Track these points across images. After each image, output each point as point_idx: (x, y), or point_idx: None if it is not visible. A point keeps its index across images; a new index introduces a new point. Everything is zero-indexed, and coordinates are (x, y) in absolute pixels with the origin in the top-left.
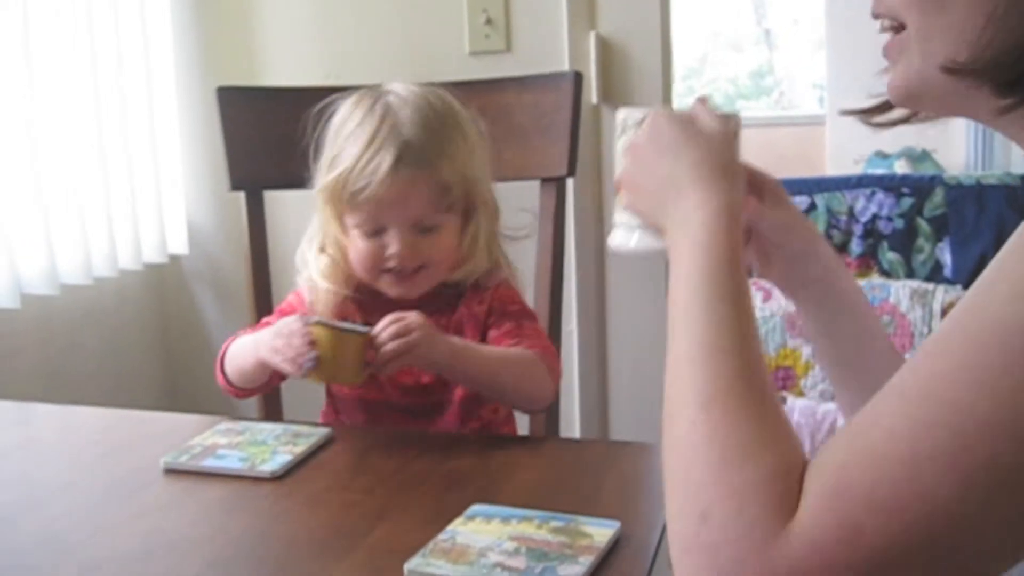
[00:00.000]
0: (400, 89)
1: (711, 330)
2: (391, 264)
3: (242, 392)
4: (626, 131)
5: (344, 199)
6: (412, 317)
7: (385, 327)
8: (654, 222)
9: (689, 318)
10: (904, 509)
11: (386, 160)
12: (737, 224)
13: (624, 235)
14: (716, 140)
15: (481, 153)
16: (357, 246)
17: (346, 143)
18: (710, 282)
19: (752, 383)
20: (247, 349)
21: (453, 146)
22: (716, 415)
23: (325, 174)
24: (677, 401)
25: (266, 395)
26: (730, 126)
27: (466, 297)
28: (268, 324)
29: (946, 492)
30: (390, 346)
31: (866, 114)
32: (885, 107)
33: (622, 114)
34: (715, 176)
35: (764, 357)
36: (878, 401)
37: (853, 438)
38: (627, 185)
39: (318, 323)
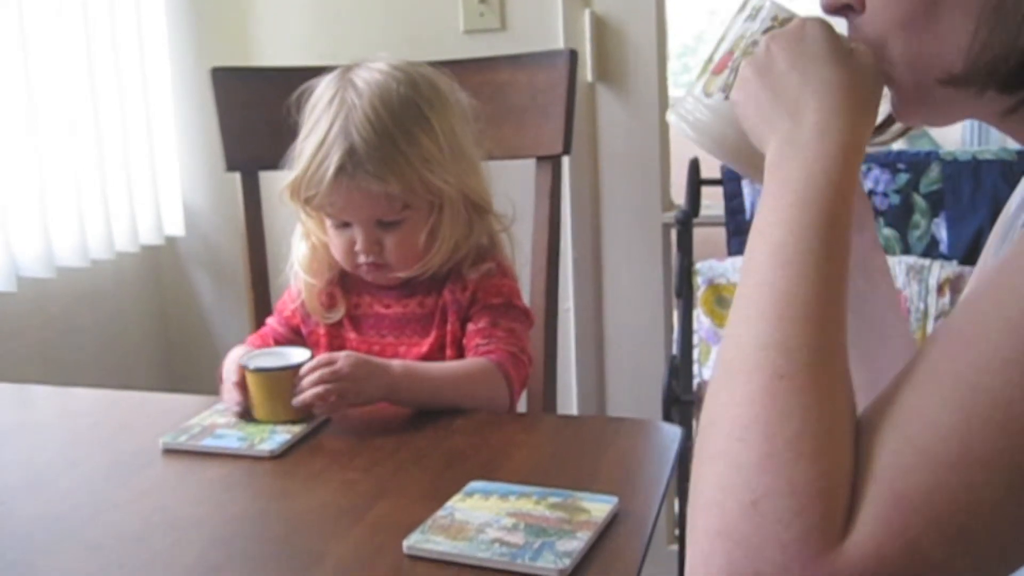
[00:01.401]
0: (367, 77)
1: (807, 289)
2: (360, 258)
3: None
4: (756, 18)
5: (301, 202)
6: (341, 362)
7: (311, 369)
8: (755, 130)
9: (783, 267)
10: (960, 519)
11: (329, 171)
12: (857, 169)
13: (690, 109)
14: (866, 71)
15: (452, 140)
16: (332, 238)
17: (304, 143)
18: (817, 232)
19: (835, 363)
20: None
21: (404, 151)
22: (789, 392)
23: (288, 172)
24: (743, 358)
25: None
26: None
27: (450, 283)
28: (269, 326)
29: (997, 498)
30: (307, 394)
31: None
32: (883, 125)
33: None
34: (851, 107)
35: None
36: (913, 386)
37: (898, 432)
38: (744, 81)
39: (253, 369)
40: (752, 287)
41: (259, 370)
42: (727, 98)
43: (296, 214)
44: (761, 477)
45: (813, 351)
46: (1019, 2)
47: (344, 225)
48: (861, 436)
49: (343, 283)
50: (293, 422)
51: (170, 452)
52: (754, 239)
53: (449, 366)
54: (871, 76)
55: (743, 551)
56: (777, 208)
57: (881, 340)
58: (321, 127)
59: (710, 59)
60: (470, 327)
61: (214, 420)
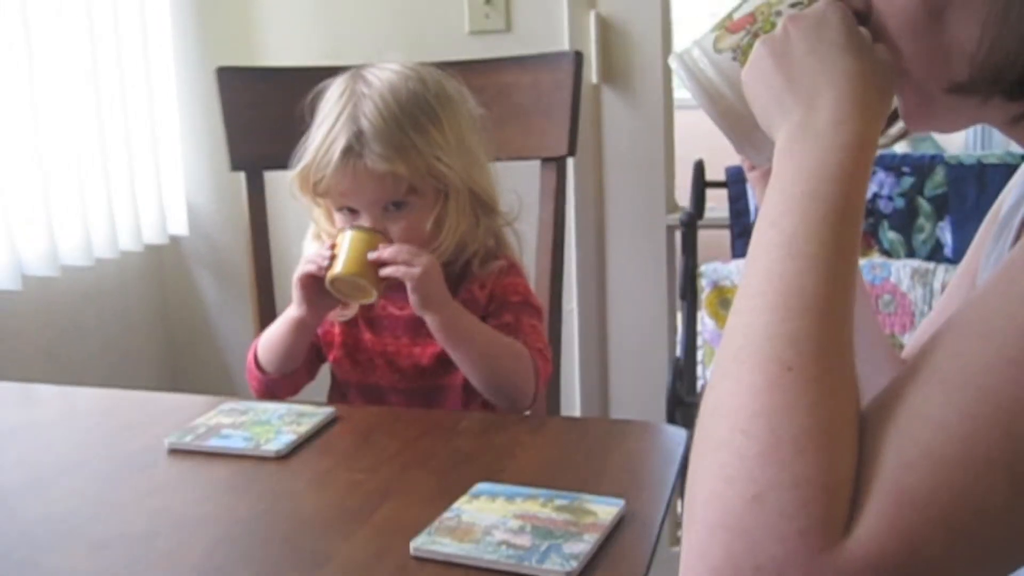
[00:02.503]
0: (375, 74)
1: (817, 282)
2: None
3: (278, 379)
4: None
5: (310, 189)
6: (426, 255)
7: (399, 245)
8: (765, 112)
9: (793, 258)
10: (962, 519)
11: (336, 152)
12: (871, 162)
13: (696, 59)
14: (883, 65)
15: (459, 136)
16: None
17: (315, 133)
18: (829, 224)
19: (842, 357)
20: (277, 323)
21: (411, 136)
22: (796, 385)
23: (297, 164)
24: (749, 348)
25: None
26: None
27: (467, 280)
28: None
29: (1000, 499)
30: (387, 252)
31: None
32: (883, 128)
33: None
34: (867, 100)
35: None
36: (917, 385)
37: (902, 431)
38: (758, 61)
39: (353, 226)
40: (760, 277)
41: (356, 227)
42: (735, 59)
43: (308, 211)
44: (765, 470)
45: (821, 344)
46: None
47: (352, 213)
48: (864, 434)
49: None
50: (356, 287)
51: (175, 452)
52: (762, 227)
53: (493, 330)
54: (888, 71)
55: (743, 544)
56: (788, 197)
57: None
58: (330, 117)
59: (729, 16)
60: (491, 323)
61: (219, 420)
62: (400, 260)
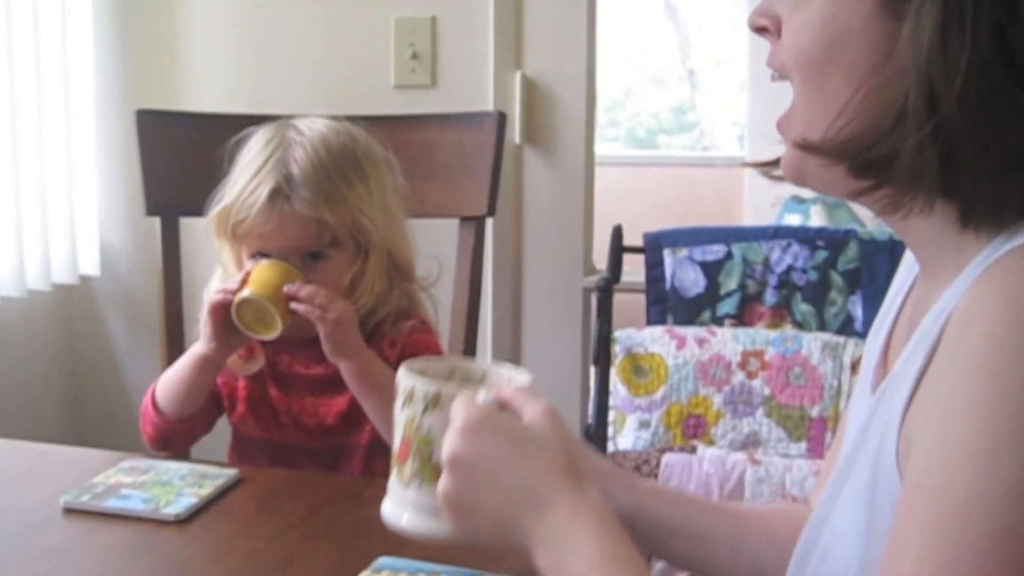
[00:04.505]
0: (306, 124)
1: None
2: None
3: (175, 424)
4: (412, 402)
5: (228, 230)
6: (341, 301)
7: (316, 287)
8: (503, 540)
9: None
10: None
11: (263, 194)
12: (622, 529)
13: (400, 511)
14: (553, 437)
15: (383, 198)
16: None
17: (239, 175)
18: None
19: None
20: (180, 361)
21: (340, 187)
22: None
23: (215, 204)
24: None
25: None
26: (557, 417)
27: (376, 338)
28: None
29: None
30: (306, 289)
31: (768, 167)
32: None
33: (408, 381)
34: (577, 471)
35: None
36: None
37: None
38: (454, 506)
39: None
40: None
41: (273, 260)
42: (424, 482)
43: (217, 255)
44: None
45: None
46: (897, 97)
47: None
48: None
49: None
50: (260, 320)
51: (71, 511)
52: None
53: None
54: (558, 436)
55: None
56: None
57: (708, 540)
58: (258, 160)
59: (392, 453)
60: None
61: (119, 479)
62: (316, 303)
